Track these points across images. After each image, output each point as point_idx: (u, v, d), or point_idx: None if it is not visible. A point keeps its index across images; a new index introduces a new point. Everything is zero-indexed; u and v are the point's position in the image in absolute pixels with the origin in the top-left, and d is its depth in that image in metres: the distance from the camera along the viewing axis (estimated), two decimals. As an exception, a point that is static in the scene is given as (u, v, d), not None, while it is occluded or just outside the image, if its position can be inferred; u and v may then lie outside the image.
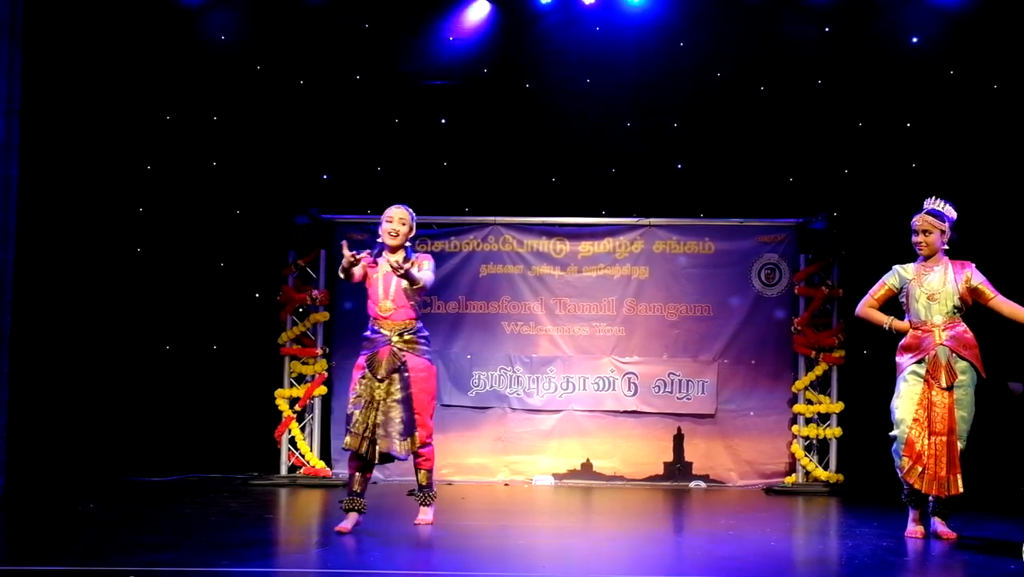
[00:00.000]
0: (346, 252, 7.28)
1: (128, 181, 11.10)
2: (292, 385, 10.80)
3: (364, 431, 7.26)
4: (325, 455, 10.85)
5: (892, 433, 7.39)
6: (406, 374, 7.35)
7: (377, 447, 7.29)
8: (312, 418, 10.83)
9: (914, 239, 7.43)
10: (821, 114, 11.13)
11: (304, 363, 10.82)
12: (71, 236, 10.60)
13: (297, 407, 10.72)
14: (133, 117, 11.07)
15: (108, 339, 10.89)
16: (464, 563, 6.45)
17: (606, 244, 11.04)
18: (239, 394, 10.97)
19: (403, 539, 7.20)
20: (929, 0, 10.94)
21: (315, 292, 10.71)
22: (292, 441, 10.74)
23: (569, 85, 11.31)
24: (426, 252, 7.69)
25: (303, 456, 10.69)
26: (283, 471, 10.69)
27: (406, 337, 7.40)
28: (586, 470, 10.84)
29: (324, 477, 10.54)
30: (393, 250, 7.48)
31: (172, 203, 11.22)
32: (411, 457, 7.48)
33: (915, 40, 11.07)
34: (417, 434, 7.36)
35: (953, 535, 7.21)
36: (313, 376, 10.77)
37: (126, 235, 11.10)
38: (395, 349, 7.36)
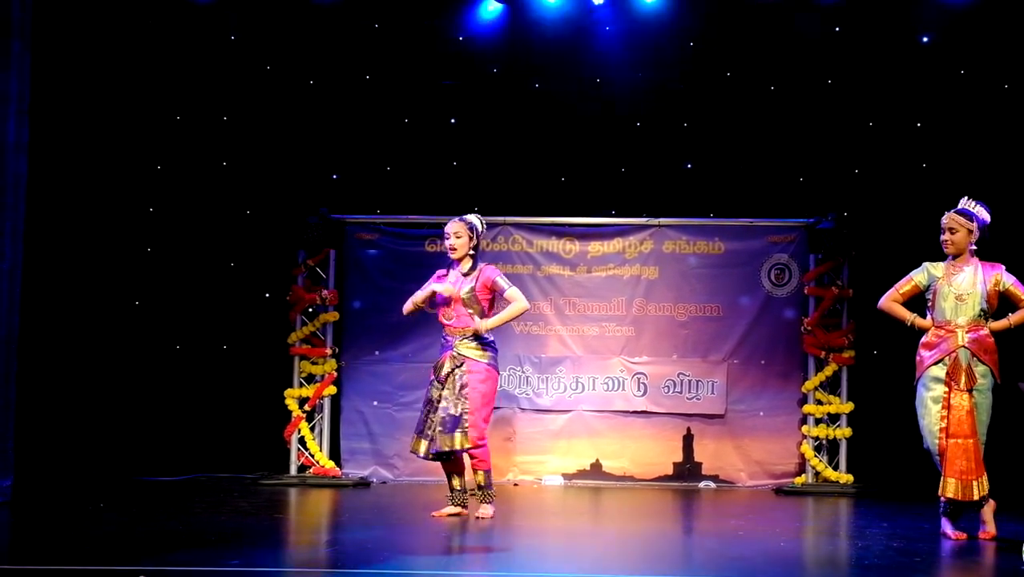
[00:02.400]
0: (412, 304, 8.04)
1: (138, 181, 11.12)
2: (302, 385, 10.81)
3: (424, 430, 7.85)
4: (335, 455, 10.86)
5: (926, 447, 7.33)
6: (463, 375, 7.80)
7: (431, 444, 7.81)
8: (322, 418, 10.83)
9: (941, 237, 7.40)
10: (831, 114, 11.12)
11: (314, 363, 10.83)
12: (81, 236, 10.63)
13: (307, 407, 10.74)
14: (143, 117, 11.10)
15: (118, 339, 10.91)
16: (473, 563, 6.45)
17: (616, 244, 11.03)
18: (249, 394, 10.98)
19: (412, 539, 7.21)
20: (939, -1, 10.95)
21: (325, 292, 10.72)
22: (302, 441, 10.75)
23: (579, 85, 11.31)
24: (491, 262, 8.11)
25: (313, 456, 10.70)
26: (293, 471, 10.70)
27: (468, 343, 7.86)
28: (595, 470, 10.84)
29: (334, 477, 10.54)
30: (459, 262, 7.96)
31: (182, 203, 11.24)
32: (464, 455, 7.93)
33: (925, 39, 11.05)
34: (469, 433, 7.74)
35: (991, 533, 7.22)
36: (323, 376, 10.78)
37: (136, 235, 11.12)
38: (455, 353, 7.85)
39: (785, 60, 11.18)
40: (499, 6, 11.15)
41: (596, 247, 11.04)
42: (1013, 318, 7.34)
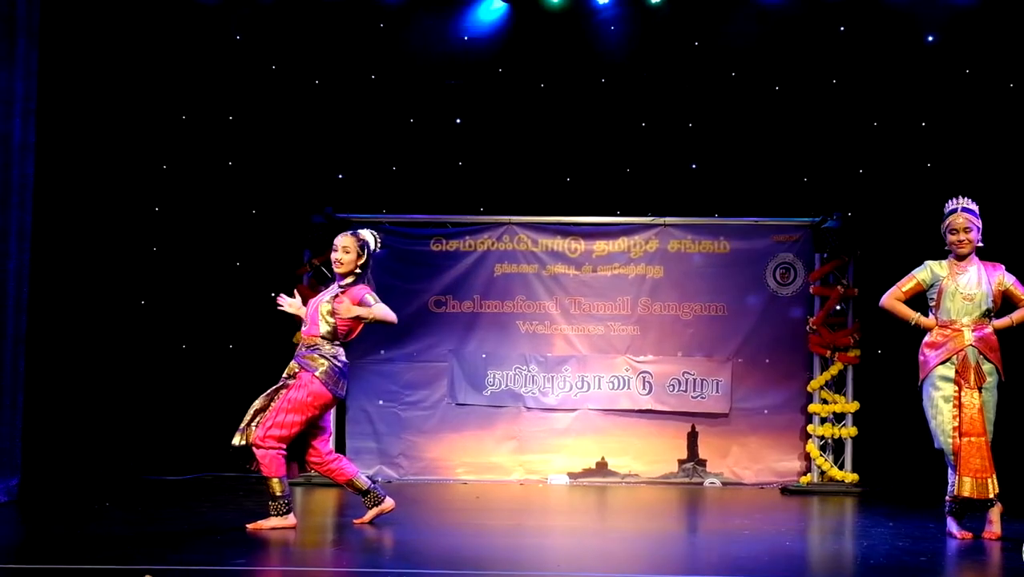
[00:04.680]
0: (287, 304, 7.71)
1: (144, 180, 11.15)
2: (307, 384, 10.80)
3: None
4: (340, 454, 10.84)
5: (938, 446, 7.33)
6: (290, 382, 7.43)
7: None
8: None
9: (954, 238, 7.35)
10: (836, 113, 11.12)
11: (319, 362, 10.82)
12: (88, 235, 10.65)
13: (312, 406, 10.73)
14: (149, 117, 11.11)
15: (125, 338, 10.93)
16: (479, 562, 6.46)
17: (621, 243, 11.04)
18: (255, 393, 10.94)
19: (418, 537, 7.22)
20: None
21: (330, 291, 10.71)
22: (307, 440, 10.75)
23: (584, 84, 11.31)
24: (364, 286, 7.58)
25: (318, 455, 10.69)
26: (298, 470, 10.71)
27: (307, 353, 7.48)
28: (601, 469, 10.85)
29: (339, 476, 10.53)
30: (343, 276, 7.56)
31: (188, 202, 11.26)
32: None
33: (930, 39, 11.05)
34: (255, 431, 7.32)
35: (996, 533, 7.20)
36: (328, 375, 10.78)
37: (142, 234, 11.14)
38: (296, 360, 7.50)
39: (790, 60, 11.18)
40: (503, 5, 11.17)
41: (601, 246, 11.05)
42: (1016, 316, 7.34)
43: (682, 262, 11.00)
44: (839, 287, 10.56)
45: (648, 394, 10.86)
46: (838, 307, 10.62)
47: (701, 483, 10.72)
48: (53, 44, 9.38)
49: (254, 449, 7.29)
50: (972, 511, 7.27)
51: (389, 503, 7.66)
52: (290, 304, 7.76)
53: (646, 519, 8.73)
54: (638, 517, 8.84)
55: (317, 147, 11.29)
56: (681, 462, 10.82)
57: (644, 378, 10.88)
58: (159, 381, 11.03)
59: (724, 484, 10.72)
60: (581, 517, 8.90)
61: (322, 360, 7.41)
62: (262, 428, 7.30)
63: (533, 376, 10.93)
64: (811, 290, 10.71)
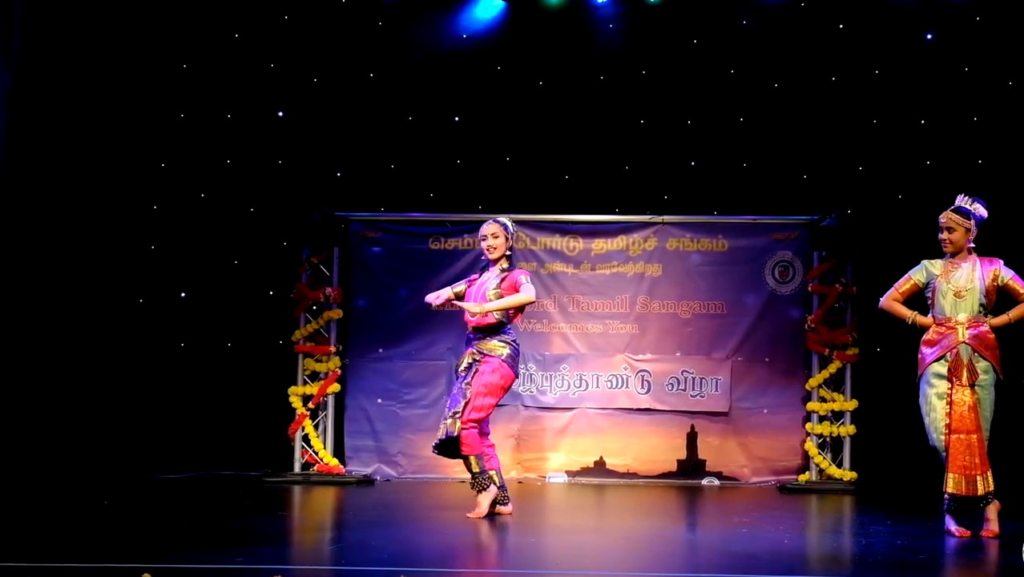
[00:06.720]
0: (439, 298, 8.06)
1: (142, 179, 11.14)
2: (306, 382, 10.82)
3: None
4: (339, 452, 10.86)
5: (932, 444, 7.33)
6: (476, 368, 7.83)
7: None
8: (325, 416, 10.84)
9: (940, 236, 7.40)
10: (835, 111, 11.12)
11: (318, 360, 10.84)
12: (86, 234, 10.66)
13: (311, 404, 10.75)
14: (147, 115, 11.11)
15: (123, 336, 10.93)
16: (477, 560, 6.45)
17: (619, 241, 11.03)
18: (253, 391, 10.99)
19: (417, 536, 7.21)
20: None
21: (328, 289, 10.73)
22: (306, 438, 10.77)
23: (582, 82, 11.31)
24: (519, 268, 8.17)
25: (316, 453, 10.71)
26: (297, 468, 10.71)
27: (487, 340, 7.88)
28: (599, 467, 10.84)
29: (337, 474, 10.55)
30: (495, 263, 7.97)
31: (186, 201, 11.26)
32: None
33: (929, 37, 11.05)
34: (461, 419, 7.72)
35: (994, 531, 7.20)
36: (327, 373, 10.79)
37: (140, 233, 11.13)
38: (474, 349, 7.88)
39: (788, 57, 11.19)
40: (501, 3, 11.18)
41: (600, 244, 11.04)
42: (1012, 313, 7.32)
43: (681, 260, 10.99)
44: (838, 285, 10.56)
45: (647, 393, 10.86)
46: (837, 305, 10.62)
47: (700, 481, 10.71)
48: (50, 41, 9.36)
49: (461, 433, 7.74)
50: (969, 509, 7.27)
51: (508, 508, 8.05)
52: (437, 296, 8.09)
53: (644, 517, 8.72)
54: (636, 515, 8.83)
55: (315, 145, 11.31)
56: (680, 461, 10.80)
57: (643, 377, 10.87)
58: (158, 380, 11.03)
59: (723, 482, 10.71)
60: (579, 516, 8.88)
61: (503, 345, 7.87)
62: (464, 413, 7.75)
63: (531, 374, 10.92)
64: (810, 288, 10.71)
